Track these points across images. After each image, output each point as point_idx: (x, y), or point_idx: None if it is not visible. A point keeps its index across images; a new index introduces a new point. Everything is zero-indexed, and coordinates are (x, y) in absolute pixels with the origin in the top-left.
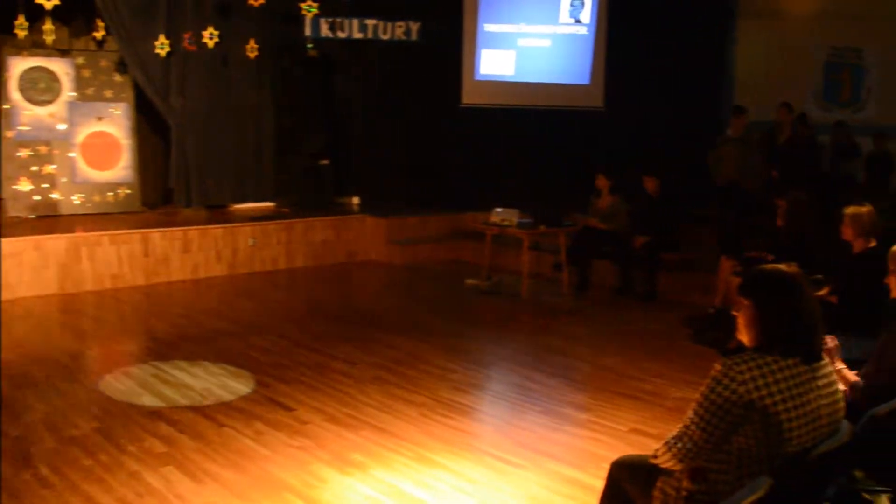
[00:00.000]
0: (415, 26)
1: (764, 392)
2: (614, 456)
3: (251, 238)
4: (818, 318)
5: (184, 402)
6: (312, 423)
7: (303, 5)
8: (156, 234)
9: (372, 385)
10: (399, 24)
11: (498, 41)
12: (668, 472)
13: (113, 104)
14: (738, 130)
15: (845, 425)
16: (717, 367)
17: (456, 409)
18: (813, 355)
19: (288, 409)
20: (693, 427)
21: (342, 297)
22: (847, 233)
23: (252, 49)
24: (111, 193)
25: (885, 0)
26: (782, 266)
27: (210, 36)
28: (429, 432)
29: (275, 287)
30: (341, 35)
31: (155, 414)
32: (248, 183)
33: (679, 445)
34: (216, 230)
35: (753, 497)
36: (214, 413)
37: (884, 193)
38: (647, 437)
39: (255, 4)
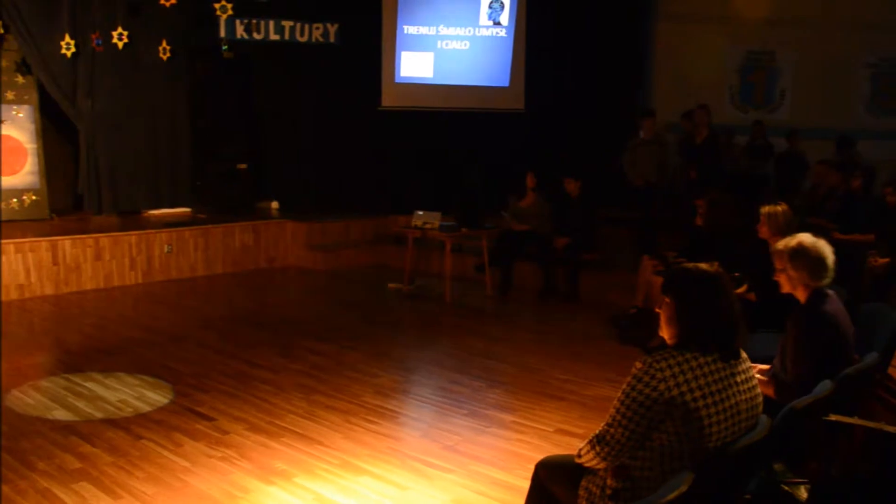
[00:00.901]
0: (332, 28)
1: (684, 388)
2: (540, 456)
3: (167, 245)
4: (737, 315)
5: (98, 415)
6: (234, 432)
7: (216, 6)
8: (65, 242)
9: (295, 392)
10: (317, 25)
11: (417, 43)
12: (592, 471)
13: (15, 106)
14: (649, 132)
15: (764, 419)
16: (638, 364)
17: (381, 415)
18: (732, 352)
19: (208, 418)
20: (615, 425)
21: (263, 303)
22: (764, 231)
23: (164, 50)
24: (15, 200)
25: (798, 5)
26: (703, 265)
27: (119, 36)
28: (353, 438)
29: (193, 294)
30: (257, 36)
31: (67, 428)
32: (162, 188)
33: (602, 444)
34: (130, 237)
35: (676, 492)
36: (131, 425)
37: (797, 192)
38: (572, 436)
39: (167, 5)
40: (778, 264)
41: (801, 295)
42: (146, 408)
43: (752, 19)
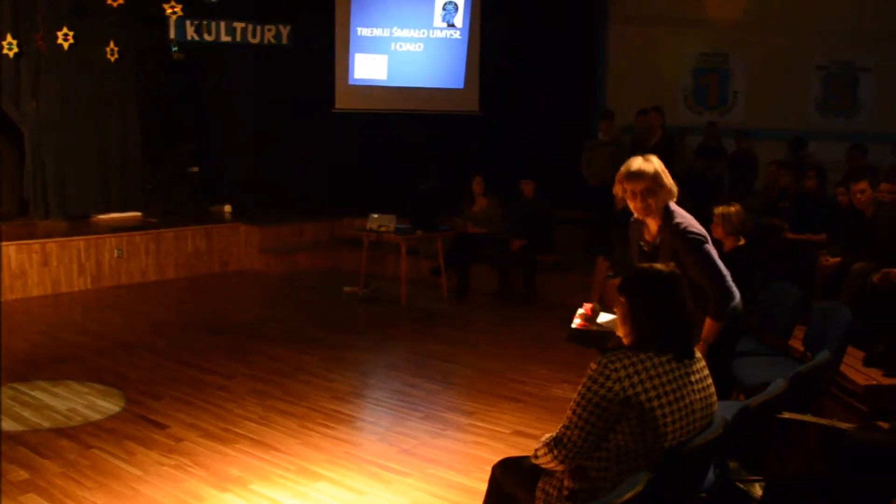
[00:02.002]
0: (285, 30)
1: (639, 388)
2: (497, 458)
3: (117, 249)
4: (691, 316)
5: (47, 424)
6: (187, 439)
7: (166, 6)
8: (10, 248)
9: (250, 398)
10: (269, 27)
11: (371, 45)
12: (549, 472)
13: None
14: (608, 134)
15: (718, 418)
16: (593, 365)
17: (337, 419)
18: (686, 352)
19: (161, 426)
20: (571, 427)
21: (217, 308)
22: (718, 232)
23: (112, 51)
24: None
25: (749, 8)
26: (658, 265)
27: (64, 37)
28: (310, 444)
29: (144, 300)
30: (208, 38)
31: (14, 439)
32: (112, 192)
33: (559, 447)
34: (78, 242)
35: (633, 492)
36: (81, 434)
37: (749, 192)
38: (530, 438)
39: (114, 5)
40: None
41: (652, 222)
42: (96, 416)
43: (704, 22)
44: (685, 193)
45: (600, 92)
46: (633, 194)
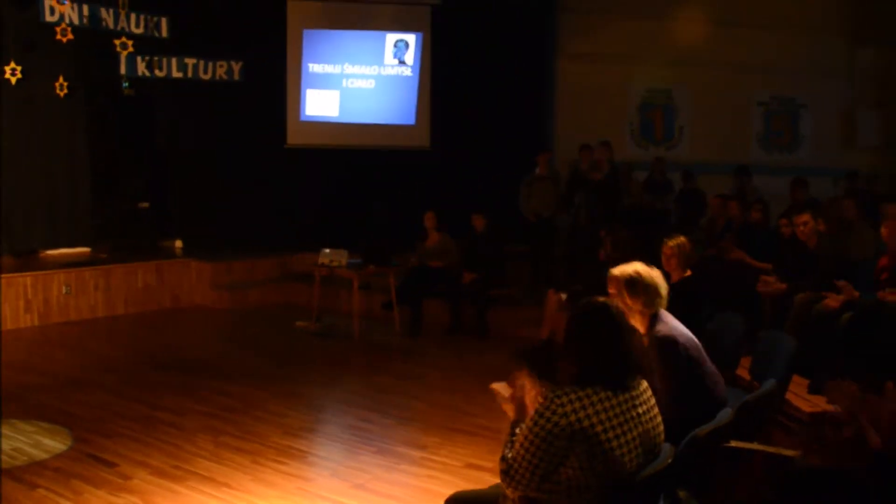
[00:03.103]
0: (237, 66)
1: (586, 423)
2: (450, 492)
3: (65, 285)
4: (635, 349)
5: None
6: (137, 477)
7: (117, 42)
8: None
9: (201, 435)
10: (221, 63)
11: (322, 81)
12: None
13: None
14: (544, 168)
15: (667, 448)
16: (541, 399)
17: (289, 455)
18: (630, 384)
19: (110, 464)
20: (520, 458)
21: (167, 344)
22: (670, 264)
23: (62, 86)
24: None
25: (693, 46)
26: (601, 299)
27: (13, 71)
28: (262, 480)
29: (93, 336)
30: (159, 74)
31: None
32: (60, 227)
33: (508, 478)
34: (24, 278)
35: None
36: (25, 474)
37: (695, 227)
38: (483, 471)
39: (64, 40)
40: (611, 289)
41: (638, 324)
42: (42, 455)
43: (649, 59)
44: (633, 228)
45: (548, 127)
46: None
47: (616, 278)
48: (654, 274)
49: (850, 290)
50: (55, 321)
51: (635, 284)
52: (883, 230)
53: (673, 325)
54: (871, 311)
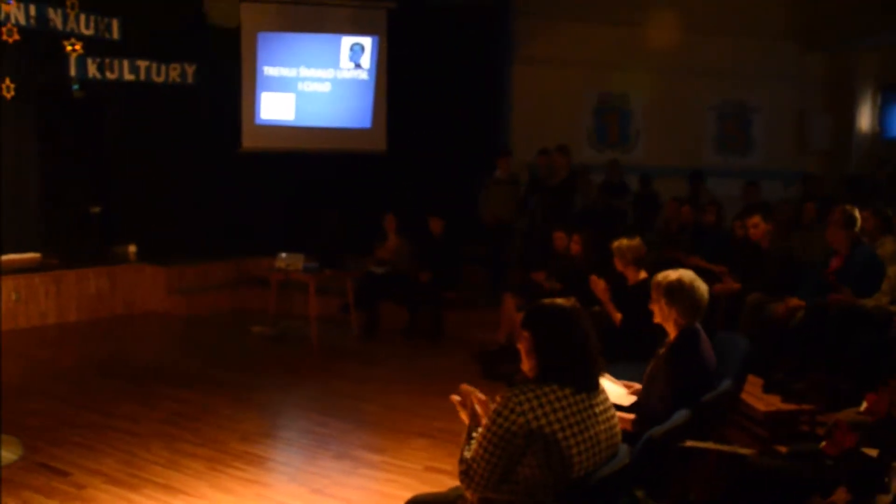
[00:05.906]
0: (190, 69)
1: (543, 421)
2: (409, 495)
3: (14, 292)
4: (594, 349)
5: None
6: (90, 486)
7: (66, 43)
8: None
9: (157, 441)
10: (174, 65)
11: (278, 85)
12: None
13: None
14: (505, 171)
15: (624, 448)
16: (498, 398)
17: (247, 460)
18: (589, 384)
19: (62, 473)
20: (478, 458)
21: (121, 351)
22: (617, 264)
23: (8, 88)
24: None
25: (646, 51)
26: (560, 300)
27: None
28: (219, 486)
29: (43, 344)
30: (111, 76)
31: None
32: (8, 233)
33: (467, 478)
34: None
35: None
36: None
37: (650, 228)
38: (442, 473)
39: (10, 41)
40: (654, 294)
41: (671, 329)
42: None
43: (604, 64)
44: (591, 228)
45: (505, 131)
46: None
47: (658, 283)
48: (697, 285)
49: (850, 294)
50: (4, 329)
51: (674, 292)
52: (828, 233)
53: (706, 347)
54: (820, 313)
